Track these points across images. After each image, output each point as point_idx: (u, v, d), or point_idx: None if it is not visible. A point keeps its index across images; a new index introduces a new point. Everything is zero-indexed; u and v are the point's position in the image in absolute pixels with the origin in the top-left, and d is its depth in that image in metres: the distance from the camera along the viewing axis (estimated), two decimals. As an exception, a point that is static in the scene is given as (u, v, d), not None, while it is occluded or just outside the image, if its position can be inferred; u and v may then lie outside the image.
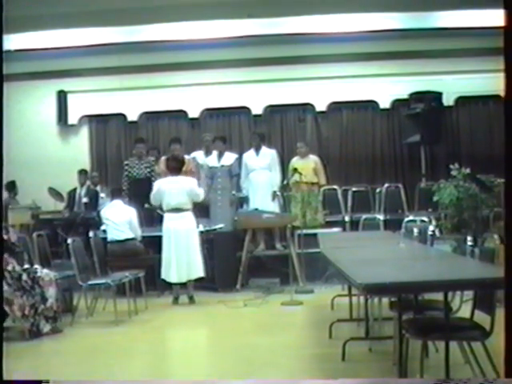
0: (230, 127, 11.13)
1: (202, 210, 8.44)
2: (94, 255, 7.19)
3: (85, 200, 10.07)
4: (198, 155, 9.44)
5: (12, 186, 10.19)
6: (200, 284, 7.89)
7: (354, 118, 10.96)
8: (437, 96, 10.18)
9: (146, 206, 8.71)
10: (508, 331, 2.76)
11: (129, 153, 10.30)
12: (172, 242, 7.52)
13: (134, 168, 9.12)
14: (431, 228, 5.88)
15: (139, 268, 7.39)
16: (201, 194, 7.72)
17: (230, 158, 9.14)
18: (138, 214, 7.99)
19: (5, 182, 9.34)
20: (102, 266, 7.30)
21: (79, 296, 6.93)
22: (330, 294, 6.87)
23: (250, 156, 9.19)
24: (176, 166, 7.74)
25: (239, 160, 9.21)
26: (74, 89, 10.86)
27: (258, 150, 9.15)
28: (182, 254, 7.50)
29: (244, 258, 8.40)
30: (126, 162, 9.34)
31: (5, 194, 9.94)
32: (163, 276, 7.59)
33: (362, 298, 5.54)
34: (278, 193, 9.24)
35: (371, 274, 3.71)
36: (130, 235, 7.84)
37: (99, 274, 7.12)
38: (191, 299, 7.66)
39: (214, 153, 9.19)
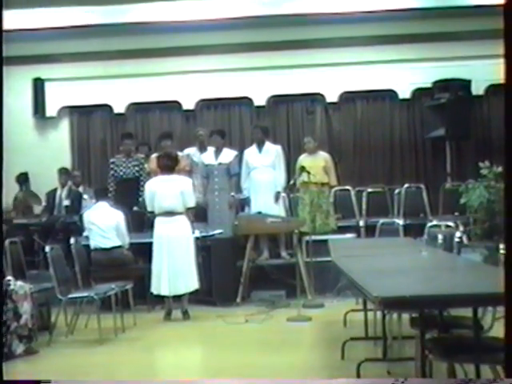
0: (230, 120, 11.17)
1: (197, 213, 8.44)
2: (75, 265, 7.21)
3: (66, 202, 10.06)
4: (192, 152, 9.46)
5: (24, 178, 10.19)
6: (196, 297, 7.91)
7: (369, 109, 10.98)
8: (464, 84, 10.16)
9: (135, 208, 8.82)
10: (508, 331, 2.87)
11: (115, 149, 10.32)
12: (164, 250, 7.53)
13: (121, 166, 9.14)
14: (458, 234, 5.84)
15: (127, 279, 7.40)
16: (194, 198, 7.76)
17: (228, 154, 9.14)
18: (125, 219, 8.01)
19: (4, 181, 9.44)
20: (85, 277, 7.31)
21: (58, 311, 6.91)
22: (343, 309, 6.88)
23: (251, 153, 9.18)
24: (168, 165, 7.75)
25: (239, 157, 9.21)
26: (53, 76, 10.87)
27: (260, 145, 9.14)
28: (176, 264, 7.51)
29: (245, 268, 8.41)
30: (112, 160, 9.36)
31: (16, 188, 10.08)
32: (154, 289, 7.60)
33: (378, 314, 5.53)
34: (284, 194, 9.28)
35: (389, 286, 3.72)
36: (117, 242, 7.87)
37: (81, 286, 7.12)
38: (185, 314, 7.66)
39: (211, 149, 9.21)
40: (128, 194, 8.86)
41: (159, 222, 7.60)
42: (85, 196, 9.96)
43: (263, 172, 9.05)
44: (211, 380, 4.42)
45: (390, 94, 10.76)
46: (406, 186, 10.09)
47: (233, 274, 8.36)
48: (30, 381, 4.07)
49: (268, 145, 9.18)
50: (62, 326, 6.92)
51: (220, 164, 9.08)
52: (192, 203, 7.70)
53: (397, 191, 10.11)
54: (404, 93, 10.73)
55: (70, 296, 6.79)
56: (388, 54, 10.43)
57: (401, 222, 8.53)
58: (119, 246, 7.88)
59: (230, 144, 9.80)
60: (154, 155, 9.01)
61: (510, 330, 2.86)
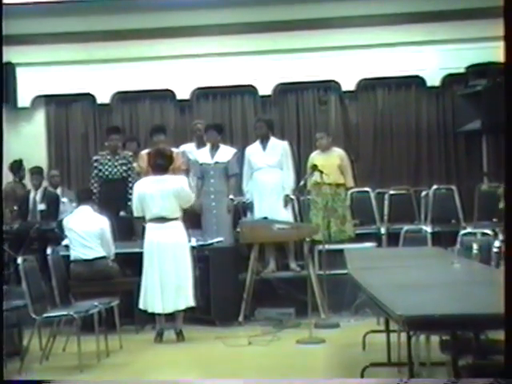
0: (231, 112, 11.27)
1: (193, 219, 8.49)
2: (52, 279, 7.19)
3: (41, 207, 10.04)
4: (189, 148, 9.49)
5: (18, 167, 10.19)
6: (191, 315, 7.92)
7: (391, 99, 11.04)
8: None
9: (122, 213, 8.86)
10: (508, 331, 3.05)
11: (99, 145, 10.37)
12: (155, 261, 7.54)
13: (107, 165, 9.18)
14: (497, 244, 5.84)
15: (112, 295, 7.40)
16: (191, 196, 7.81)
17: (226, 152, 9.15)
18: (111, 225, 8.04)
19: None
20: (63, 292, 7.29)
21: (31, 333, 6.85)
22: (361, 330, 6.87)
23: (254, 150, 9.18)
24: (161, 163, 7.76)
25: (241, 156, 9.24)
26: (26, 60, 10.88)
27: (264, 142, 9.13)
28: (169, 276, 7.52)
29: (248, 282, 8.42)
30: (95, 158, 9.38)
31: (8, 178, 10.11)
32: (143, 305, 7.59)
33: (403, 336, 5.50)
34: (293, 197, 9.26)
35: (415, 304, 3.72)
36: (101, 252, 7.91)
37: (59, 303, 7.09)
38: (180, 335, 7.67)
39: (207, 146, 9.20)
40: (114, 197, 8.90)
41: (150, 229, 7.61)
42: (63, 199, 9.99)
43: (268, 172, 9.05)
44: (212, 380, 4.44)
45: (417, 81, 10.78)
46: (435, 187, 10.09)
47: (234, 289, 8.38)
48: (30, 381, 4.33)
49: (273, 141, 9.17)
50: (36, 351, 6.90)
51: (217, 163, 9.07)
52: (189, 201, 7.74)
53: (424, 193, 10.14)
54: (433, 79, 10.73)
55: (46, 315, 6.73)
56: (414, 35, 10.46)
57: (429, 229, 8.51)
58: (103, 257, 7.93)
59: (231, 140, 9.85)
60: (144, 152, 9.07)
61: (510, 329, 3.04)
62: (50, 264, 7.27)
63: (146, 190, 7.65)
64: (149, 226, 7.63)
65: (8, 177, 10.04)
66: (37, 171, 10.36)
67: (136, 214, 7.77)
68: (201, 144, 9.40)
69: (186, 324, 7.80)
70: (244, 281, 8.42)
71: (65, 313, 6.82)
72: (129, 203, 8.76)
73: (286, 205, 9.02)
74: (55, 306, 7.01)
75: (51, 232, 9.14)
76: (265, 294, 8.62)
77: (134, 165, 9.19)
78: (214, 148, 9.12)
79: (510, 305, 3.07)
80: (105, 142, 9.57)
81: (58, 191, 10.33)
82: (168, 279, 7.52)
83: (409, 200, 10.17)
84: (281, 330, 7.89)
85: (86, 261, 7.85)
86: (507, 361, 3.08)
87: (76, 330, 6.68)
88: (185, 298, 7.57)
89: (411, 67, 10.67)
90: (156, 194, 7.56)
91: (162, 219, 7.56)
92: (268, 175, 9.03)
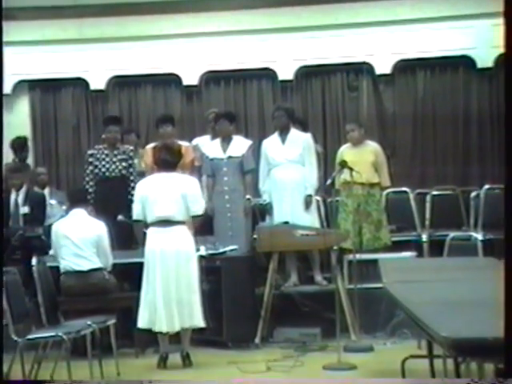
0: (245, 100, 11.39)
1: (203, 223, 8.40)
2: (37, 294, 7.22)
3: (24, 210, 10.01)
4: (203, 142, 9.56)
5: (22, 145, 10.16)
6: (200, 336, 7.96)
7: (434, 82, 11.09)
8: None
9: (120, 217, 8.88)
10: (508, 331, 3.17)
11: (93, 138, 10.39)
12: (158, 271, 7.52)
13: (104, 161, 9.24)
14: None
15: (108, 313, 7.44)
16: (201, 203, 7.81)
17: (240, 145, 9.21)
18: (108, 231, 8.06)
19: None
20: (51, 310, 7.30)
21: (12, 358, 6.78)
22: (399, 354, 6.80)
23: (272, 144, 9.18)
24: (168, 159, 7.77)
25: (257, 149, 9.29)
26: (6, 39, 10.77)
27: (284, 133, 9.14)
28: (173, 290, 7.51)
29: (267, 297, 8.44)
30: (90, 152, 9.42)
31: (9, 157, 10.11)
32: (143, 322, 7.54)
33: (449, 362, 5.44)
34: (318, 198, 9.32)
35: (464, 324, 3.70)
36: (97, 263, 7.99)
37: (45, 322, 7.11)
38: (186, 360, 7.65)
39: (218, 138, 9.27)
40: (112, 198, 8.97)
41: (152, 235, 7.61)
42: (51, 201, 10.01)
43: (288, 168, 9.06)
44: (212, 382, 4.43)
45: (465, 62, 10.76)
46: (487, 187, 10.03)
47: (250, 306, 8.42)
48: (30, 381, 4.67)
49: (295, 133, 9.17)
50: (19, 377, 6.80)
51: (230, 157, 9.14)
52: (199, 209, 7.74)
53: (473, 194, 10.09)
54: (484, 60, 10.70)
55: (30, 337, 6.71)
56: (461, 8, 10.42)
57: (479, 236, 8.50)
58: (99, 269, 7.98)
59: (245, 132, 9.87)
60: (149, 146, 9.13)
61: (510, 329, 3.16)
62: (36, 277, 7.30)
63: (150, 189, 7.67)
64: (151, 231, 7.63)
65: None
66: (18, 168, 10.35)
67: (135, 216, 7.79)
68: (216, 137, 9.44)
69: (193, 346, 7.80)
70: (261, 296, 8.45)
71: (52, 334, 6.80)
72: (129, 205, 8.72)
73: (307, 207, 9.01)
74: (41, 326, 7.03)
75: (37, 239, 9.10)
76: (286, 311, 8.66)
77: (135, 161, 9.25)
78: (226, 140, 9.18)
79: (510, 305, 3.17)
80: (100, 134, 9.60)
81: (46, 192, 10.32)
82: (172, 293, 7.50)
83: (455, 202, 10.18)
84: (304, 353, 7.89)
85: (79, 273, 7.90)
86: (507, 361, 3.17)
87: (65, 353, 6.67)
88: (193, 315, 7.55)
89: (458, 46, 10.63)
90: (161, 194, 7.59)
91: (165, 222, 7.56)
92: (288, 172, 9.05)
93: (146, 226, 7.72)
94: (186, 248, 7.60)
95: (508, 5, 3.33)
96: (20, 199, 10.05)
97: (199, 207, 7.72)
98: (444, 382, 3.37)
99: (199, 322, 7.59)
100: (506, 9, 3.36)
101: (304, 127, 9.56)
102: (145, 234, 7.76)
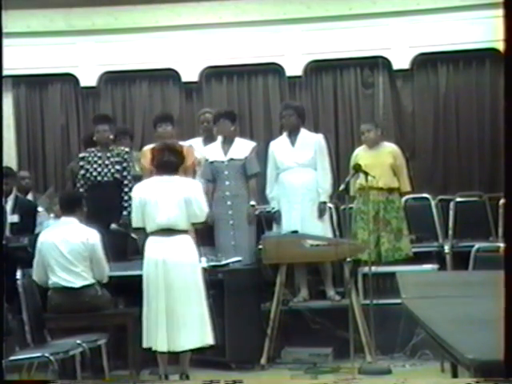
0: (250, 98, 11.42)
1: (203, 231, 8.47)
2: (22, 311, 7.19)
3: (13, 219, 9.99)
4: (194, 144, 9.45)
5: None
6: (201, 356, 7.89)
7: (458, 78, 11.06)
8: None
9: (113, 226, 8.85)
10: (508, 331, 3.27)
11: (84, 139, 10.25)
12: (161, 285, 7.45)
13: (96, 164, 9.20)
14: None
15: (100, 331, 7.47)
16: (205, 208, 7.77)
17: (243, 146, 9.20)
18: (102, 241, 8.02)
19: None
20: (37, 328, 7.29)
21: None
22: (420, 377, 7.00)
23: (280, 145, 9.19)
24: (169, 161, 7.72)
25: (264, 151, 9.31)
26: (-13, 31, 10.91)
27: (294, 134, 9.13)
28: (178, 306, 7.46)
29: (274, 314, 8.42)
30: (81, 155, 9.40)
31: None
32: (147, 343, 7.44)
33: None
34: (331, 205, 9.30)
35: (491, 345, 3.53)
36: (89, 279, 7.90)
37: (31, 342, 7.10)
38: (186, 381, 7.59)
39: (218, 139, 9.24)
40: (104, 205, 8.91)
41: (153, 244, 7.56)
42: (39, 208, 9.98)
43: (298, 173, 9.04)
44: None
45: (492, 55, 10.63)
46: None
47: (255, 323, 8.44)
48: (30, 381, 4.97)
49: (305, 134, 9.18)
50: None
51: (231, 160, 9.11)
52: (202, 216, 7.71)
53: (502, 201, 9.90)
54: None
55: (13, 358, 6.66)
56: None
57: (508, 247, 8.36)
58: (92, 285, 7.90)
59: (250, 134, 9.84)
60: (147, 147, 9.02)
61: (510, 329, 3.27)
62: (21, 292, 7.29)
63: (149, 193, 7.61)
64: (150, 241, 7.58)
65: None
66: (6, 173, 10.30)
67: (135, 224, 7.74)
68: (209, 139, 9.48)
69: (192, 367, 7.75)
70: (268, 312, 8.42)
71: (38, 354, 6.79)
72: (124, 213, 8.86)
73: (321, 215, 9.01)
74: (26, 346, 7.04)
75: (22, 250, 9.02)
76: (294, 329, 8.67)
77: (130, 164, 9.23)
78: (227, 142, 9.16)
79: (509, 304, 3.29)
80: (93, 135, 9.52)
81: (29, 197, 10.36)
82: (178, 308, 7.45)
83: (482, 210, 10.15)
84: (315, 375, 7.87)
85: (69, 289, 7.80)
86: (507, 361, 3.19)
87: (53, 376, 6.64)
88: (200, 332, 7.49)
89: (483, 37, 10.52)
90: (162, 199, 7.53)
91: (168, 231, 7.51)
92: (298, 176, 9.03)
93: (146, 235, 7.69)
94: (191, 259, 7.58)
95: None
96: (8, 207, 10.01)
97: (203, 214, 7.70)
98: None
99: (209, 339, 7.54)
100: (505, 1, 3.35)
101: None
102: (143, 243, 7.73)
